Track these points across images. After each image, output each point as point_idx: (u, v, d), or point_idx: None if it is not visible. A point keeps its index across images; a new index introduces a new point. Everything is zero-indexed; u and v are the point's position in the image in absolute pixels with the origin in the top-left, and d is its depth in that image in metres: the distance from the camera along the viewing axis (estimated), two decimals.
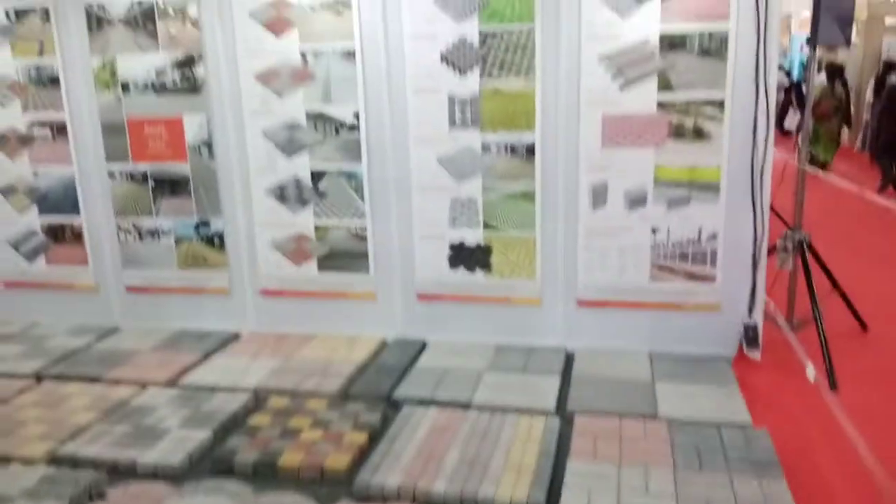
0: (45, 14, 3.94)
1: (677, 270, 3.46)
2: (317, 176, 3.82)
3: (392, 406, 3.16)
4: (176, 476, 2.69)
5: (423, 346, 3.77)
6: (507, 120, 3.48)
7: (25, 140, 4.18)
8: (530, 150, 3.49)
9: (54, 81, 4.03)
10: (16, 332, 4.22)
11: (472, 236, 3.67)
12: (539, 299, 3.67)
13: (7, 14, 4.00)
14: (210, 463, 2.77)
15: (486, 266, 3.69)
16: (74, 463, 2.78)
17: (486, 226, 3.65)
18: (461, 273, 3.73)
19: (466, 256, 3.70)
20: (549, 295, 3.66)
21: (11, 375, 3.62)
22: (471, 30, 3.41)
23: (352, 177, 3.78)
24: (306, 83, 3.69)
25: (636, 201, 3.42)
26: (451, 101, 3.52)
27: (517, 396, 3.15)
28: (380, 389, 3.28)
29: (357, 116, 3.68)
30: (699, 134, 3.28)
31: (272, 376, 3.48)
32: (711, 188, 3.34)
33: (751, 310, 3.44)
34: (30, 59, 4.04)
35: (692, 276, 3.46)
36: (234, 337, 4.05)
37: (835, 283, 3.89)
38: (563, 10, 3.30)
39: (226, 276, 4.09)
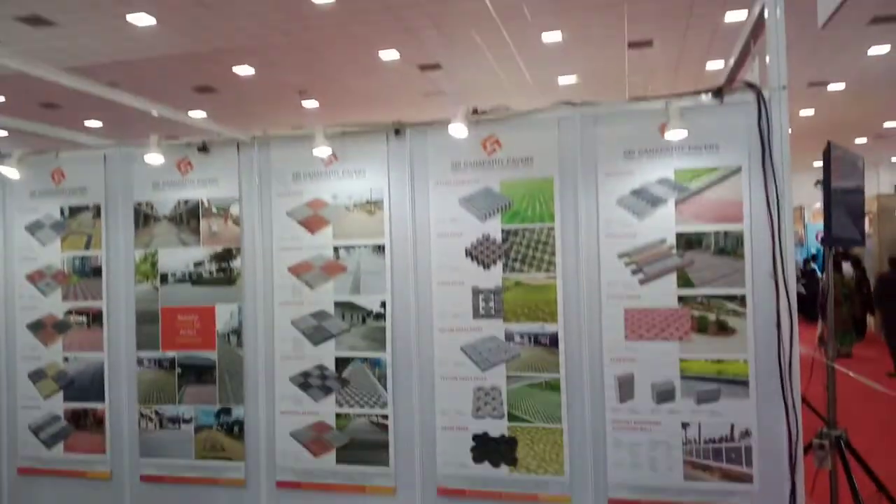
0: (97, 211, 4.26)
1: (712, 469, 3.31)
2: (341, 363, 3.85)
3: None
4: None
5: None
6: (529, 311, 3.55)
7: (61, 327, 4.31)
8: (553, 341, 3.52)
9: (97, 272, 4.25)
10: None
11: (497, 427, 3.59)
12: (569, 498, 3.49)
13: (62, 210, 4.33)
14: None
15: (511, 460, 3.57)
16: None
17: (510, 416, 3.58)
18: (485, 467, 3.60)
19: (491, 449, 3.59)
20: (579, 493, 3.48)
21: None
22: (494, 228, 3.61)
23: (376, 364, 3.80)
24: (337, 275, 3.85)
25: (664, 395, 3.37)
26: (475, 292, 3.63)
27: None
28: None
29: (384, 305, 3.78)
30: (723, 328, 3.30)
31: None
32: (740, 383, 3.29)
33: None
34: (77, 251, 4.30)
35: (728, 476, 3.30)
36: None
37: (880, 486, 3.67)
38: (582, 211, 3.50)
39: (242, 467, 3.98)
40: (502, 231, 3.60)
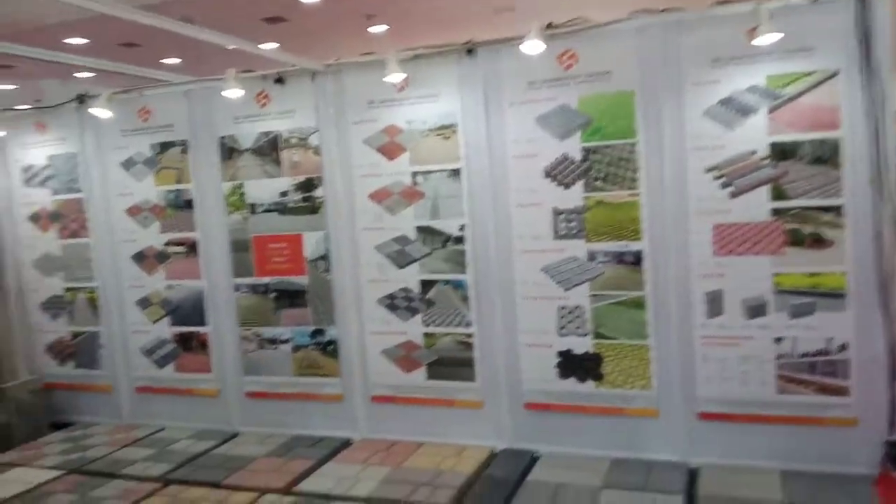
0: (185, 146, 4.42)
1: (807, 382, 3.27)
2: (425, 285, 3.95)
3: None
4: None
5: (533, 458, 3.70)
6: (612, 230, 3.51)
7: (162, 257, 4.59)
8: (638, 259, 3.49)
9: (189, 204, 4.46)
10: (144, 436, 4.48)
11: (581, 344, 3.65)
12: (656, 411, 3.55)
13: (151, 147, 4.51)
14: None
15: (597, 376, 3.63)
16: None
17: (595, 334, 3.62)
18: (571, 382, 3.68)
19: (576, 365, 3.66)
20: (666, 406, 3.53)
21: (141, 479, 3.82)
22: (573, 147, 3.53)
23: (458, 286, 3.88)
24: (416, 201, 3.89)
25: (755, 310, 3.31)
26: (555, 213, 3.61)
27: None
28: (492, 503, 3.23)
29: (462, 229, 3.82)
30: (819, 240, 3.18)
31: (382, 486, 3.50)
32: (837, 296, 3.19)
33: (892, 425, 3.18)
34: (169, 185, 4.50)
35: (824, 389, 3.25)
36: (346, 443, 4.12)
37: None
38: (666, 125, 3.36)
39: (338, 383, 4.23)
40: (582, 149, 3.52)
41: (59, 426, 4.86)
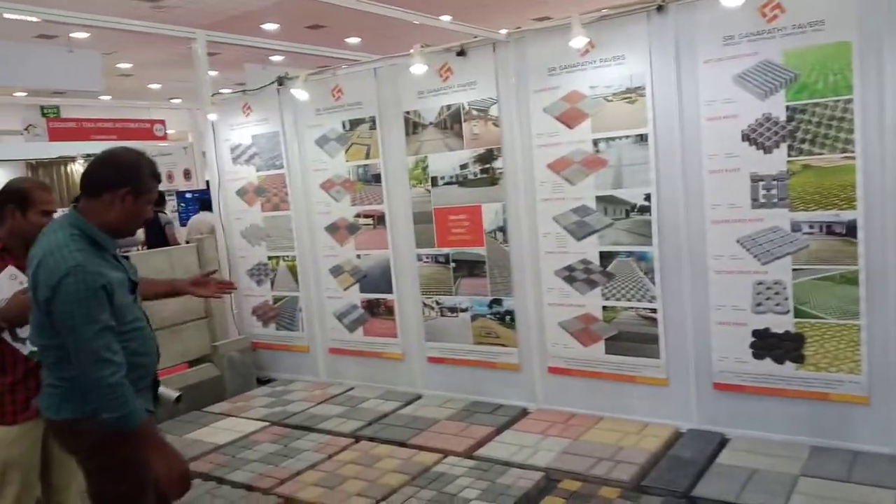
0: (373, 122, 4.64)
1: None
2: (605, 257, 3.86)
3: None
4: None
5: (722, 441, 3.50)
6: (820, 197, 3.19)
7: (352, 228, 4.89)
8: (851, 229, 3.14)
9: (377, 178, 4.69)
10: (337, 394, 4.84)
11: (780, 323, 3.37)
12: (866, 397, 3.20)
13: (343, 124, 4.79)
14: None
15: (797, 357, 3.34)
16: None
17: (797, 312, 3.32)
18: (767, 363, 3.42)
19: (773, 345, 3.39)
20: (879, 393, 3.18)
21: (335, 434, 4.13)
22: (777, 106, 3.23)
23: (642, 258, 3.74)
24: (597, 169, 3.79)
25: None
26: (754, 179, 3.34)
27: None
28: (677, 483, 3.10)
29: (648, 198, 3.66)
30: None
31: (562, 457, 3.49)
32: None
33: None
34: (359, 160, 4.76)
35: None
36: (524, 412, 4.17)
37: None
38: (888, 78, 2.98)
39: (515, 353, 4.27)
40: (787, 108, 3.21)
41: (263, 382, 5.39)
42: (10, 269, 2.49)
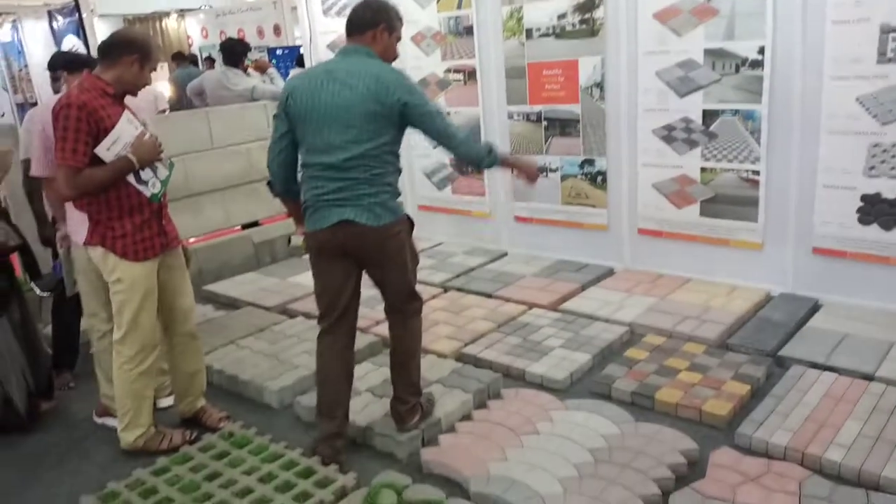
0: None
1: None
2: (709, 116, 3.68)
3: (778, 363, 2.99)
4: (558, 391, 2.96)
5: (815, 306, 3.46)
6: None
7: (442, 84, 4.82)
8: None
9: (469, 31, 4.55)
10: (427, 248, 5.00)
11: (893, 188, 3.18)
12: None
13: None
14: (589, 384, 2.99)
15: None
16: (476, 363, 3.24)
17: None
18: (874, 230, 3.28)
19: (883, 211, 3.23)
20: None
21: (425, 283, 4.31)
22: None
23: (748, 117, 3.55)
24: (708, 19, 3.53)
25: None
26: (885, 30, 3.04)
27: None
28: (764, 343, 3.12)
29: (762, 52, 3.41)
30: None
31: (647, 314, 3.55)
32: None
33: None
34: (450, 11, 4.61)
35: None
36: (610, 272, 4.21)
37: None
38: None
39: (605, 214, 4.25)
40: None
41: None
42: (127, 114, 2.57)
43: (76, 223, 2.72)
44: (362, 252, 2.45)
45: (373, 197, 2.37)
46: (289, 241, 4.95)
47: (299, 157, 2.50)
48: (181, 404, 2.93)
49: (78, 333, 3.51)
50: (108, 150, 2.47)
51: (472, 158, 2.51)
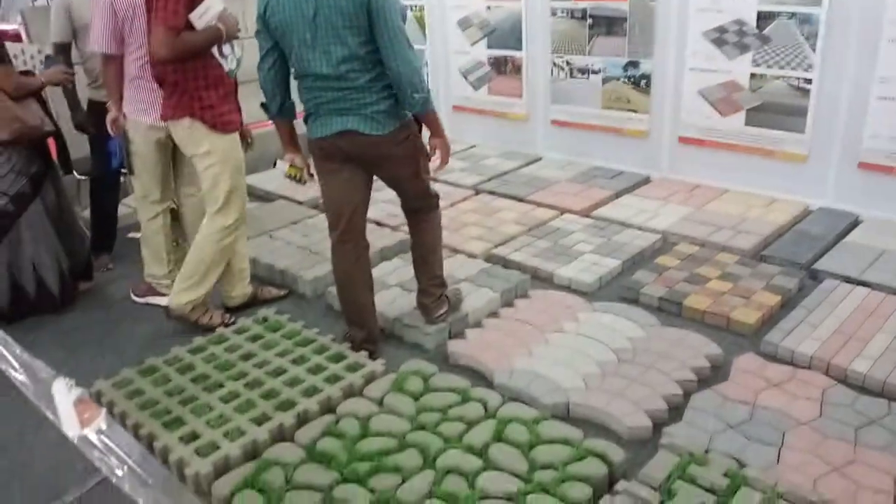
0: None
1: None
2: (764, 18, 3.48)
3: (811, 276, 2.96)
4: (586, 294, 2.98)
5: (855, 221, 3.38)
6: None
7: None
8: None
9: None
10: (459, 150, 4.94)
11: None
12: None
13: None
14: (618, 289, 2.99)
15: None
16: (505, 264, 3.26)
17: None
18: None
19: None
20: None
21: (456, 185, 4.30)
22: None
23: (806, 21, 3.35)
24: None
25: None
26: None
27: None
28: (799, 256, 3.07)
29: None
30: None
31: (682, 223, 3.51)
32: None
33: None
34: None
35: None
36: (646, 180, 4.14)
37: None
38: None
39: (646, 120, 4.13)
40: None
41: None
42: None
43: (144, 102, 2.82)
44: (368, 159, 2.41)
45: (375, 105, 2.29)
46: (274, 163, 4.82)
47: (291, 70, 2.40)
48: (233, 291, 3.01)
49: (116, 217, 3.60)
50: (200, 18, 2.54)
51: (408, 82, 2.23)
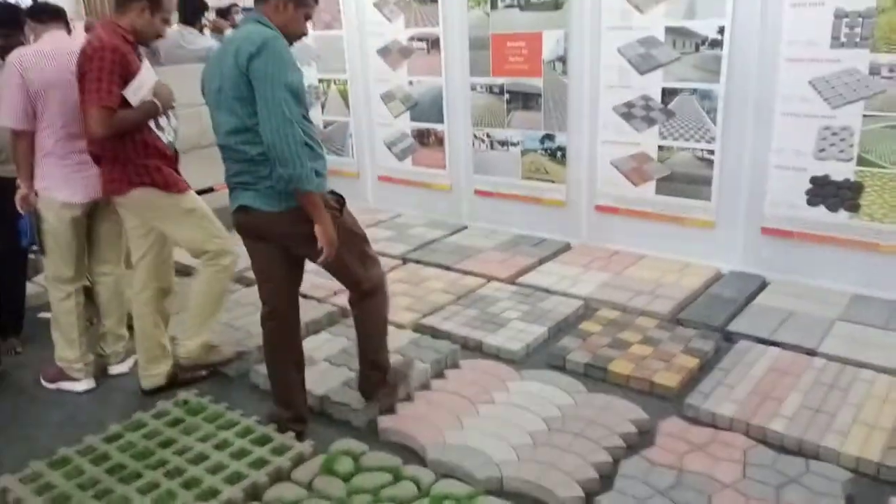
0: None
1: None
2: (668, 94, 3.73)
3: (726, 338, 3.09)
4: (514, 362, 3.01)
5: (763, 284, 3.57)
6: None
7: (405, 52, 4.76)
8: None
9: None
10: (386, 220, 4.98)
11: (841, 170, 3.29)
12: None
13: None
14: (545, 356, 3.04)
15: (852, 206, 3.30)
16: (434, 333, 3.26)
17: (859, 160, 3.23)
18: (820, 211, 3.39)
19: (830, 193, 3.34)
20: None
21: (384, 255, 4.30)
22: None
23: (706, 96, 3.61)
24: None
25: None
26: (839, 15, 3.12)
27: (875, 353, 2.83)
28: (713, 319, 3.21)
29: (721, 31, 3.47)
30: None
31: (602, 289, 3.62)
32: None
33: None
34: None
35: None
36: (567, 247, 4.27)
37: None
38: None
39: (563, 189, 4.29)
40: None
41: None
42: (146, 62, 2.65)
43: (57, 178, 2.77)
44: (271, 238, 2.29)
45: (268, 179, 2.16)
46: None
47: None
48: (156, 368, 2.88)
49: (24, 297, 3.41)
50: (135, 94, 2.54)
51: (277, 155, 2.08)
